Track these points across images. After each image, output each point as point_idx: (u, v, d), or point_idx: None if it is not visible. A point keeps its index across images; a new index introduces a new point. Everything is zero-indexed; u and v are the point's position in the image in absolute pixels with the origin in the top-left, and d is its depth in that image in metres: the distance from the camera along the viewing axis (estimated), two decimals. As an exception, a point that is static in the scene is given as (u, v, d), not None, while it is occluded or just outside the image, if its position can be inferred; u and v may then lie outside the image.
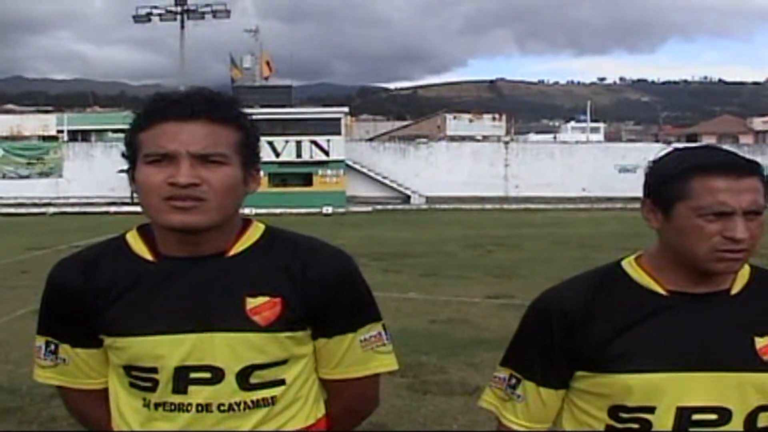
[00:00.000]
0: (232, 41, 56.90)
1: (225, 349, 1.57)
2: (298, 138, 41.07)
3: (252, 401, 1.60)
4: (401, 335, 7.22)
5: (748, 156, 1.59)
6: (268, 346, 1.59)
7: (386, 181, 44.90)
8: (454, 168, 45.46)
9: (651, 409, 1.56)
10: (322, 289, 1.62)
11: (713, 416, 1.55)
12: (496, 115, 55.61)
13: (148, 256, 1.63)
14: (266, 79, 50.19)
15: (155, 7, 49.46)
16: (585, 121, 75.17)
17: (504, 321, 9.05)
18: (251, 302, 1.59)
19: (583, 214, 34.10)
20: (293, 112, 43.05)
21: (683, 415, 1.55)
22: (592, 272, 1.71)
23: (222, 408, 1.58)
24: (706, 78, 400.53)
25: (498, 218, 31.39)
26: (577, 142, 52.37)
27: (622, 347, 1.58)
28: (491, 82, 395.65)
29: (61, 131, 46.57)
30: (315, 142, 42.17)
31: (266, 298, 1.59)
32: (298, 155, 41.55)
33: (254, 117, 1.67)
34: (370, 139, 51.77)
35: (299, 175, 41.40)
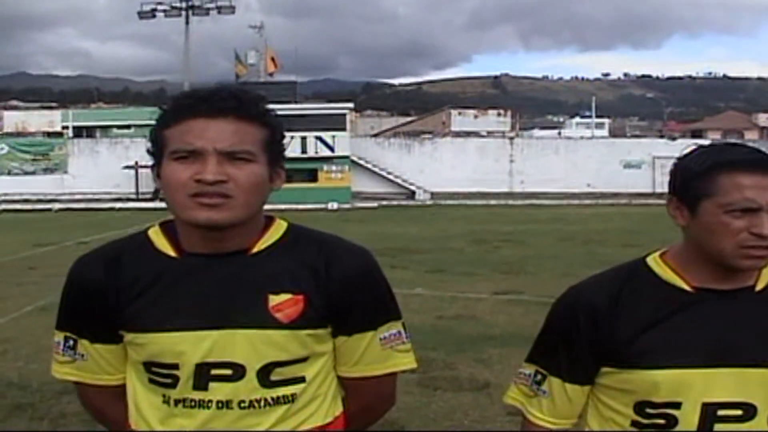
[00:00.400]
0: (237, 37, 57.16)
1: (246, 345, 1.57)
2: (303, 134, 40.94)
3: (272, 398, 1.59)
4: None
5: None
6: (290, 343, 1.58)
7: (391, 177, 44.94)
8: (459, 164, 45.48)
9: (677, 405, 1.56)
10: (344, 287, 1.62)
11: (738, 412, 1.56)
12: (501, 111, 55.55)
13: (171, 253, 1.62)
14: (271, 75, 50.23)
15: (160, 3, 49.56)
16: (589, 116, 74.94)
17: (511, 317, 9.06)
18: (274, 299, 1.58)
19: (589, 210, 34.11)
20: (298, 108, 42.90)
21: (709, 411, 1.55)
22: (617, 268, 1.71)
23: (242, 405, 1.57)
24: (710, 73, 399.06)
25: (503, 214, 31.38)
26: (581, 138, 52.34)
27: (648, 343, 1.58)
28: (496, 77, 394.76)
29: (66, 127, 46.69)
30: (320, 138, 42.21)
31: (289, 296, 1.59)
32: (303, 151, 41.51)
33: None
34: (375, 135, 51.79)
35: (304, 171, 41.33)
